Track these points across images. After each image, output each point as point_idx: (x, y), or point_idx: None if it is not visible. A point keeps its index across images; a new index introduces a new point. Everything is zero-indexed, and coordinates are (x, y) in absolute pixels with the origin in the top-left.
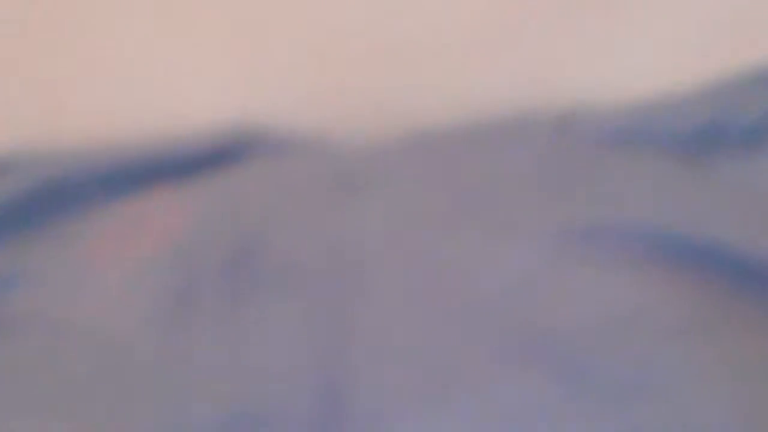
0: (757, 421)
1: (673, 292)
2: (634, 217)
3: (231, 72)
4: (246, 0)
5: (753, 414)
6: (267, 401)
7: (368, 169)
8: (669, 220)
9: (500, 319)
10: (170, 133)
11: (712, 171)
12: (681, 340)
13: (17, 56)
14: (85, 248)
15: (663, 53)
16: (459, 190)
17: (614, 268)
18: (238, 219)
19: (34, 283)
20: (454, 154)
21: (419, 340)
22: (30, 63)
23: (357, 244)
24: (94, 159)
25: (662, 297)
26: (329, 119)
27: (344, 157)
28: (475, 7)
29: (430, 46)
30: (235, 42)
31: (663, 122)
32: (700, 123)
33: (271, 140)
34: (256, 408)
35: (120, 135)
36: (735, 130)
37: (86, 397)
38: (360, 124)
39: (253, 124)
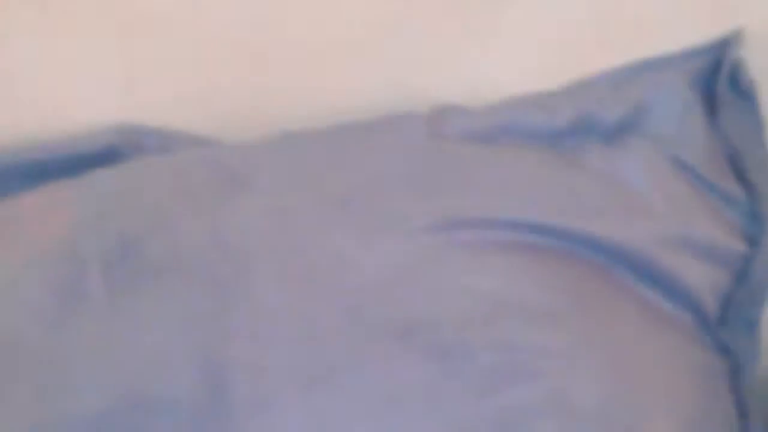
0: (622, 400)
1: (540, 278)
2: (503, 208)
3: (114, 72)
4: (128, 2)
5: (618, 393)
6: (151, 388)
7: (248, 168)
8: (536, 210)
9: (377, 306)
10: (56, 132)
11: (580, 163)
12: (547, 323)
13: None
14: None
15: (529, 53)
16: (335, 186)
17: (483, 256)
18: (123, 214)
19: None
20: (329, 153)
21: (299, 326)
22: None
23: (239, 238)
24: None
25: (529, 282)
26: (209, 119)
27: (225, 155)
28: (349, 9)
29: (305, 48)
30: (118, 43)
31: (531, 119)
32: (568, 118)
33: (155, 139)
34: (141, 395)
35: (3, 135)
36: (602, 125)
37: None
38: (238, 124)
39: (137, 123)
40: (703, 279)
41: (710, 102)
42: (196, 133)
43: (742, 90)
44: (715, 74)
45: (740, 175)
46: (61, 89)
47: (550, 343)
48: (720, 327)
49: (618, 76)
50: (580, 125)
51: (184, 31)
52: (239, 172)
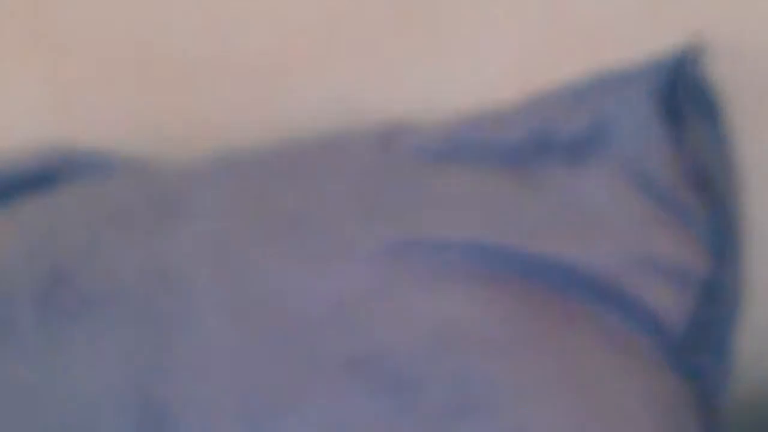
0: (580, 430)
1: (495, 307)
2: (457, 231)
3: (46, 94)
4: (59, 22)
5: (578, 427)
6: (90, 427)
7: (188, 191)
8: (492, 233)
9: (324, 337)
10: None
11: (537, 182)
12: (502, 354)
13: None
14: None
15: (485, 67)
16: (281, 210)
17: (436, 283)
18: (56, 243)
19: None
20: (275, 173)
21: (243, 360)
22: None
23: (178, 266)
24: None
25: (484, 311)
26: (145, 139)
27: (164, 179)
28: (298, 24)
29: (249, 63)
30: (50, 63)
31: (487, 135)
32: (524, 135)
33: (89, 159)
34: None
35: None
36: (559, 141)
37: None
38: (176, 143)
39: (70, 145)
40: (668, 301)
41: (673, 115)
42: (132, 154)
43: (705, 102)
44: (678, 87)
45: (705, 190)
46: None
47: (506, 375)
48: (688, 350)
49: (577, 89)
50: (536, 142)
51: (117, 50)
52: (178, 195)
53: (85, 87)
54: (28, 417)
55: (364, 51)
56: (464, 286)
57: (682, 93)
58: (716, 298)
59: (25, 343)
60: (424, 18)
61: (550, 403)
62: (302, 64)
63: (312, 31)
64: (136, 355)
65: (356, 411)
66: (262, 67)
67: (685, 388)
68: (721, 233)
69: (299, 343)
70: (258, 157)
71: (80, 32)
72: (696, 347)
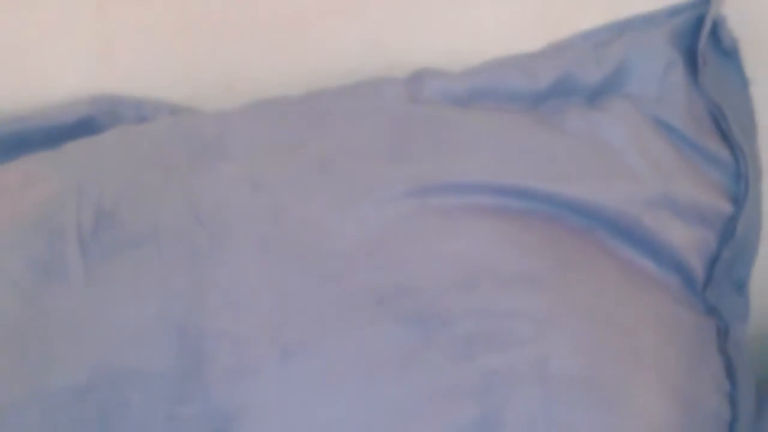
0: (606, 364)
1: (518, 242)
2: (481, 172)
3: (91, 42)
4: None
5: (601, 357)
6: (129, 360)
7: (225, 136)
8: (515, 174)
9: (354, 273)
10: (32, 103)
11: (559, 125)
12: (525, 289)
13: None
14: None
15: (510, 15)
16: (311, 152)
17: (461, 221)
18: (99, 186)
19: None
20: (306, 119)
21: (275, 295)
22: None
23: (215, 207)
24: None
25: (510, 247)
26: (186, 87)
27: (201, 123)
28: None
29: (283, 14)
30: (95, 12)
31: (511, 81)
32: (547, 80)
33: (131, 109)
34: (119, 368)
35: None
36: (581, 86)
37: None
38: (215, 91)
39: (113, 93)
40: (687, 240)
41: (692, 61)
42: (173, 102)
43: (724, 48)
44: (697, 32)
45: (723, 134)
46: (37, 59)
47: (530, 308)
48: (707, 288)
49: (599, 36)
50: (560, 87)
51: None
52: (215, 140)
53: (128, 38)
54: (75, 349)
55: (387, 1)
56: (488, 224)
57: (701, 38)
58: (735, 238)
59: (72, 278)
60: None
61: (572, 336)
62: (334, 12)
63: None
64: (173, 291)
65: (384, 343)
66: (293, 16)
67: (705, 324)
68: (739, 175)
69: (329, 280)
70: (290, 103)
71: None
72: (716, 285)
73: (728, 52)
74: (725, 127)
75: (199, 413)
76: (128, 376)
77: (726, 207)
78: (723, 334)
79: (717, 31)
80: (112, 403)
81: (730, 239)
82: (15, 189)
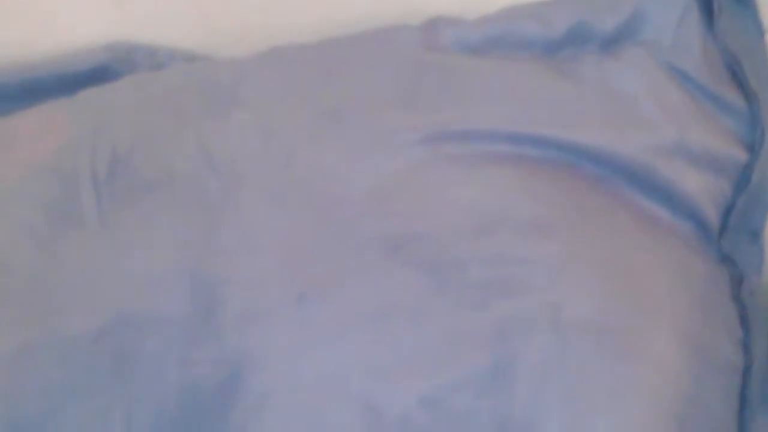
0: (619, 311)
1: (532, 189)
2: (495, 120)
3: None
4: None
5: (614, 304)
6: (143, 306)
7: (238, 83)
8: (530, 121)
9: (367, 220)
10: (47, 51)
11: (573, 73)
12: (539, 235)
13: None
14: None
15: None
16: (324, 100)
17: (474, 168)
18: (114, 132)
19: None
20: (320, 66)
21: (289, 241)
22: None
23: (228, 154)
24: None
25: (524, 195)
26: (199, 35)
27: (214, 71)
28: None
29: None
30: None
31: (526, 29)
32: (562, 28)
33: (146, 56)
34: (133, 313)
35: None
36: (596, 34)
37: None
38: (229, 39)
39: (128, 41)
40: (702, 188)
41: (708, 8)
42: (188, 50)
43: None
44: None
45: (739, 82)
46: (52, 8)
47: (543, 255)
48: (721, 237)
49: None
50: (575, 35)
51: None
52: (229, 87)
53: None
54: (89, 294)
55: None
56: (502, 172)
57: None
58: (750, 186)
59: (87, 224)
60: None
61: (586, 283)
62: None
63: None
64: (186, 237)
65: (398, 289)
66: None
67: (719, 272)
68: (754, 123)
69: (342, 227)
70: (303, 50)
71: None
72: (730, 233)
73: (744, 1)
74: (740, 74)
75: (212, 357)
76: (142, 320)
77: (741, 155)
78: (737, 282)
79: None
80: (126, 347)
81: (744, 188)
82: (30, 136)
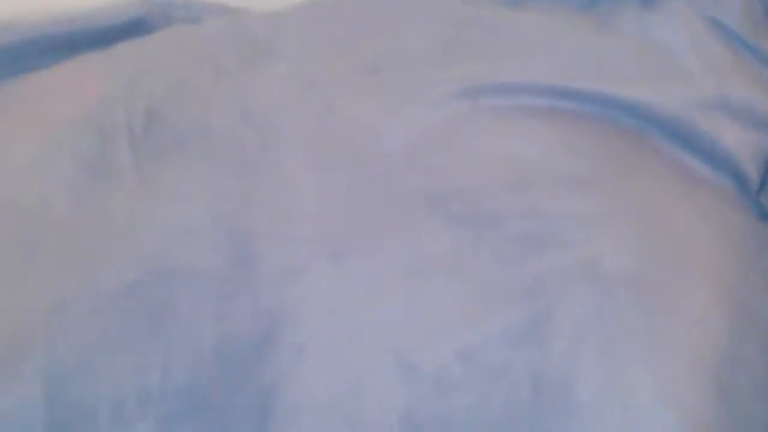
0: (657, 265)
1: (571, 144)
2: (534, 73)
3: None
4: None
5: (652, 258)
6: (178, 259)
7: (275, 36)
8: (569, 75)
9: (404, 174)
10: (84, 4)
11: (612, 27)
12: (578, 190)
13: None
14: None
15: None
16: (362, 54)
17: (513, 122)
18: (150, 87)
19: None
20: (357, 20)
21: (326, 195)
22: None
23: (265, 108)
24: (8, 33)
25: (562, 148)
26: None
27: (250, 24)
28: None
29: None
30: None
31: None
32: None
33: (182, 10)
34: (168, 266)
35: (31, 9)
36: None
37: None
38: None
39: None
40: (742, 143)
41: None
42: (224, 3)
43: None
44: None
45: None
46: None
47: (581, 209)
48: (761, 192)
49: None
50: None
51: None
52: (266, 41)
53: None
54: (124, 247)
55: None
56: (540, 125)
57: None
58: None
59: (122, 178)
60: None
61: (624, 237)
62: None
63: None
64: (223, 190)
65: (435, 244)
66: None
67: (758, 228)
68: None
69: (379, 181)
70: (341, 4)
71: None
72: None
73: None
74: None
75: (247, 312)
76: (177, 274)
77: None
78: None
79: None
80: (161, 300)
81: None
82: (66, 90)
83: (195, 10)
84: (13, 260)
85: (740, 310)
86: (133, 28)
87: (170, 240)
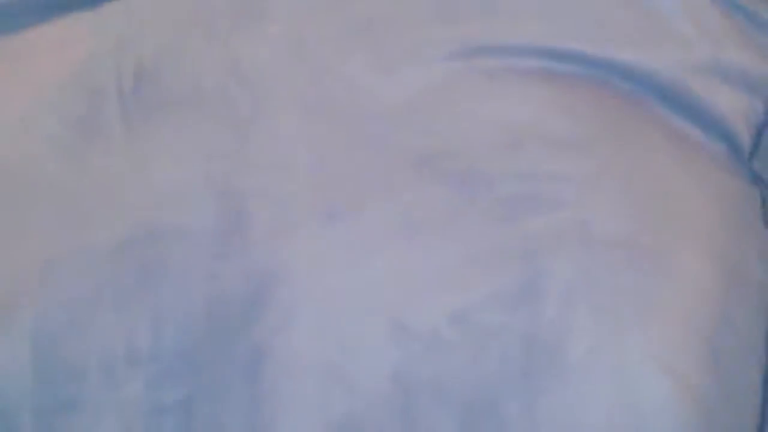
0: (649, 229)
1: (563, 106)
2: (527, 34)
3: None
4: None
5: (644, 222)
6: (169, 217)
7: None
8: (562, 37)
9: (395, 134)
10: None
11: None
12: (569, 152)
13: None
14: None
15: None
16: (355, 13)
17: (505, 83)
18: (139, 45)
19: None
20: None
21: (318, 155)
22: None
23: (256, 67)
24: None
25: (556, 110)
26: None
27: None
28: None
29: None
30: None
31: None
32: None
33: None
34: (158, 224)
35: None
36: None
37: None
38: None
39: None
40: (735, 107)
41: None
42: None
43: None
44: None
45: None
46: None
47: (573, 171)
48: (753, 157)
49: None
50: None
51: None
52: (258, 0)
53: None
54: (115, 207)
55: None
56: (534, 87)
57: None
58: None
59: (112, 137)
60: None
61: (616, 200)
62: None
63: None
64: (214, 150)
65: (427, 204)
66: None
67: (751, 193)
68: None
69: (372, 141)
70: None
71: None
72: (763, 154)
73: None
74: None
75: (238, 271)
76: (168, 233)
77: None
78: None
79: None
80: (152, 259)
81: None
82: (54, 49)
83: None
84: (1, 220)
85: (732, 273)
86: None
87: (161, 199)
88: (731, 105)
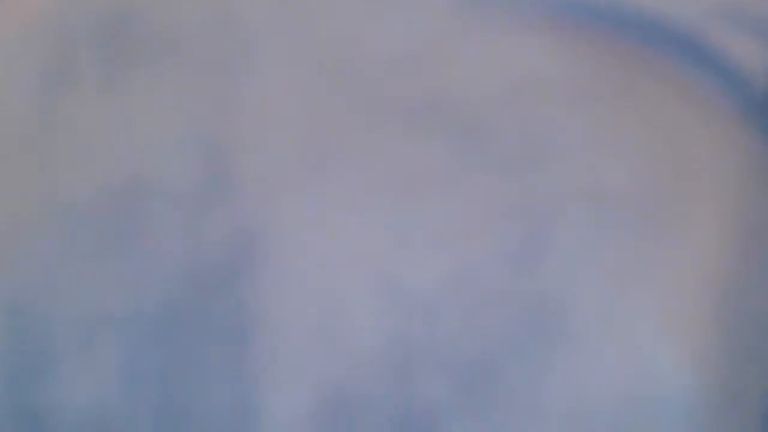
0: (660, 185)
1: (574, 57)
2: None
3: None
4: None
5: (655, 177)
6: (149, 171)
7: None
8: None
9: (394, 86)
10: None
11: None
12: (576, 105)
13: None
14: None
15: None
16: None
17: (512, 33)
18: None
19: None
20: None
21: (307, 107)
22: None
23: (241, 11)
24: None
25: (558, 60)
26: None
27: None
28: None
29: None
30: None
31: None
32: None
33: None
34: (138, 179)
35: None
36: None
37: None
38: None
39: None
40: (754, 58)
41: None
42: None
43: None
44: None
45: None
46: None
47: (581, 126)
48: None
49: None
50: None
51: None
52: None
53: None
54: (92, 159)
55: None
56: (539, 35)
57: None
58: None
59: (87, 87)
60: None
61: (626, 155)
62: None
63: None
64: (197, 102)
65: (425, 158)
66: None
67: (766, 147)
68: None
69: (364, 91)
70: None
71: None
72: None
73: None
74: None
75: (223, 227)
76: (148, 187)
77: None
78: None
79: None
80: (132, 214)
81: None
82: None
83: None
84: None
85: (746, 238)
86: None
87: (139, 153)
88: (749, 56)
